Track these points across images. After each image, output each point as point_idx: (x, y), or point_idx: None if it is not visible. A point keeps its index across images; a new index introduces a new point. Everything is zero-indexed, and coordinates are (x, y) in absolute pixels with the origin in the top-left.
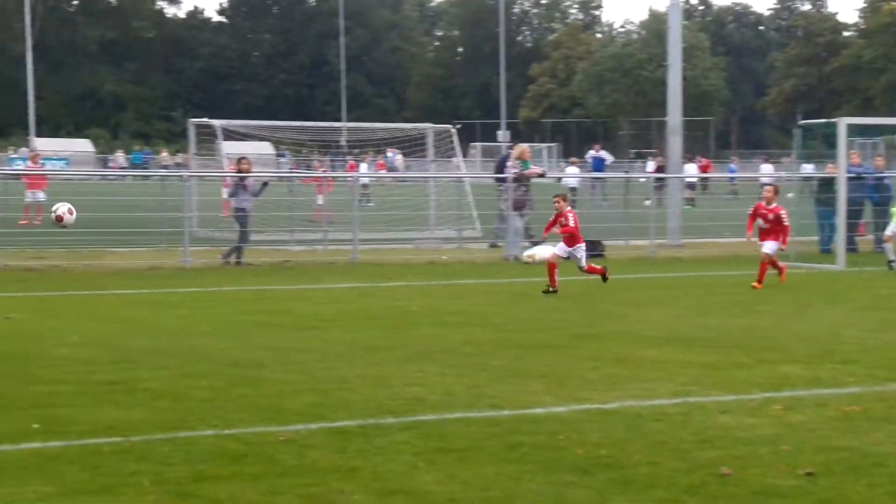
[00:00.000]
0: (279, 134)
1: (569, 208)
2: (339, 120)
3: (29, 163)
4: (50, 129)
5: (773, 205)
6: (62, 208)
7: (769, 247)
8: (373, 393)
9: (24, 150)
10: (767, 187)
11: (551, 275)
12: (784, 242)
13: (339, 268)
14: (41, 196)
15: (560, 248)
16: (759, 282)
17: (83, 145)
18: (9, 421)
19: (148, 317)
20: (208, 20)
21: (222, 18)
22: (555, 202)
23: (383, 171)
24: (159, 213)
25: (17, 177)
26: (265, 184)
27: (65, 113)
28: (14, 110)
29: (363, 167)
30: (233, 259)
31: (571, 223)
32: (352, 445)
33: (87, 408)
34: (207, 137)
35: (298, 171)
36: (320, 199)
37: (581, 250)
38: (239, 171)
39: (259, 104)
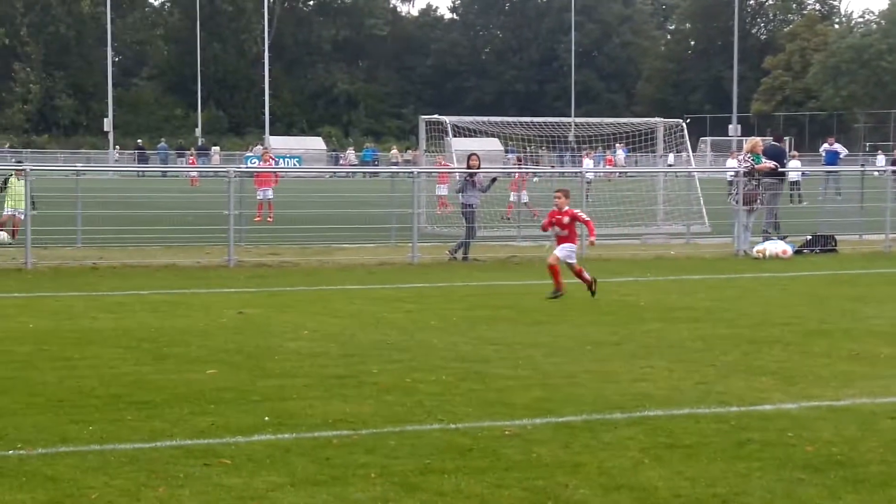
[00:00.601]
0: (507, 130)
1: (567, 207)
2: (568, 115)
3: (261, 160)
4: (284, 127)
5: None
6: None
7: None
8: (599, 388)
9: (258, 148)
10: None
11: (556, 277)
12: None
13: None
14: (270, 194)
15: (559, 249)
16: None
17: (315, 143)
18: (242, 413)
19: (376, 312)
20: (440, 18)
21: (454, 16)
22: (555, 197)
23: (611, 167)
24: (389, 209)
25: (251, 175)
26: (494, 179)
27: (298, 111)
28: (251, 109)
29: (587, 163)
30: (460, 255)
31: (566, 221)
32: (577, 440)
33: (317, 401)
34: (437, 134)
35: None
36: (521, 196)
37: (567, 250)
38: (469, 168)
39: (489, 100)
